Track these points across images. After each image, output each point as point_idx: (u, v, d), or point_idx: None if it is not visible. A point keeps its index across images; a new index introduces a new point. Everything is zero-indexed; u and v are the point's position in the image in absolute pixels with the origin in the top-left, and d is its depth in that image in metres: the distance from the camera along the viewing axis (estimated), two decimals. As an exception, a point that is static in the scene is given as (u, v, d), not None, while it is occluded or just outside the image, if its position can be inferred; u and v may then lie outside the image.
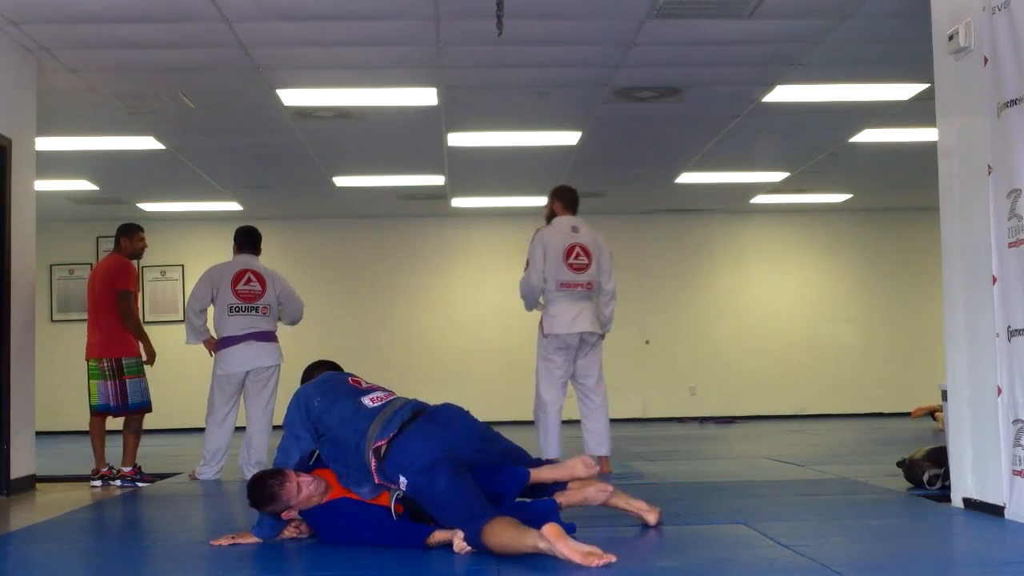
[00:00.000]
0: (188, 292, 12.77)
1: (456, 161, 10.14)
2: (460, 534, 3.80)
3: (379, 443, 3.98)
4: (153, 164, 9.95)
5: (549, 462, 4.54)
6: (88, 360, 7.12)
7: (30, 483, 6.61)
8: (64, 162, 9.66)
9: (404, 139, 9.28)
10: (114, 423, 7.21)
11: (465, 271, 13.47)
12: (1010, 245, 4.32)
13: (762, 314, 13.57)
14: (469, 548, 3.78)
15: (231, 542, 4.20)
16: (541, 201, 7.16)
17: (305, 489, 4.10)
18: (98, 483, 6.96)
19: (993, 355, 4.43)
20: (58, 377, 12.35)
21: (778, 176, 11.36)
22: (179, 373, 10.82)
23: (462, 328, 13.34)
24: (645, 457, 7.93)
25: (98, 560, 4.18)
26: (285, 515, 4.17)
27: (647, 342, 13.42)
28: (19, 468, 6.43)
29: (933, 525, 4.56)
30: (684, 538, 4.20)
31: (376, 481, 4.05)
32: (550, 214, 7.00)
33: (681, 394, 13.43)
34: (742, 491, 5.72)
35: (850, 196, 12.71)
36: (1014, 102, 4.29)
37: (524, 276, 6.87)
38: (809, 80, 7.67)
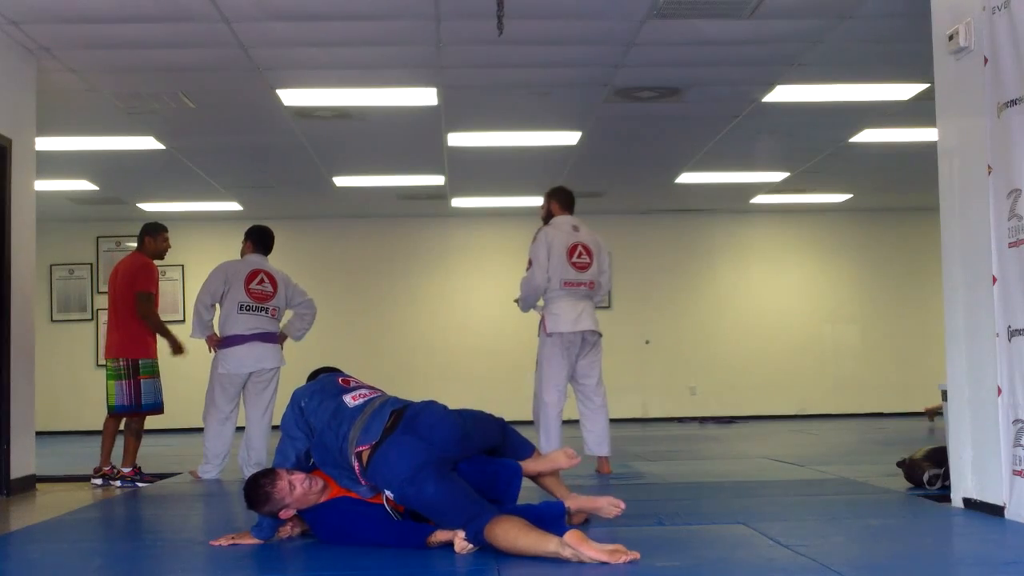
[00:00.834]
0: (188, 292, 12.91)
1: (456, 161, 10.14)
2: (461, 534, 3.81)
3: (359, 448, 3.99)
4: (153, 164, 9.94)
5: (528, 446, 4.51)
6: (107, 360, 7.15)
7: (30, 483, 6.61)
8: (64, 162, 9.65)
9: (404, 139, 9.28)
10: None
11: (465, 271, 13.46)
12: (1010, 245, 4.33)
13: (762, 314, 13.57)
14: (471, 547, 3.79)
15: (230, 542, 4.21)
16: (541, 201, 7.17)
17: (299, 488, 4.10)
18: (99, 481, 6.96)
19: (993, 355, 4.43)
20: (58, 377, 12.38)
21: (778, 176, 11.36)
22: (179, 373, 10.80)
23: (462, 328, 13.33)
24: (645, 457, 7.93)
25: (98, 560, 4.17)
26: (283, 514, 4.17)
27: (647, 342, 13.42)
28: (19, 468, 6.43)
29: (933, 525, 4.56)
30: (684, 538, 4.20)
31: (363, 483, 4.06)
32: (547, 215, 7.01)
33: (681, 394, 13.42)
34: (742, 491, 5.72)
35: (850, 196, 12.71)
36: (1014, 102, 4.29)
37: (527, 275, 6.86)
38: (809, 80, 7.66)
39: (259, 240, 7.25)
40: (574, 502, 4.30)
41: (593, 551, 3.50)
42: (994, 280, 4.43)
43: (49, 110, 7.43)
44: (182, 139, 9.11)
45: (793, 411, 13.29)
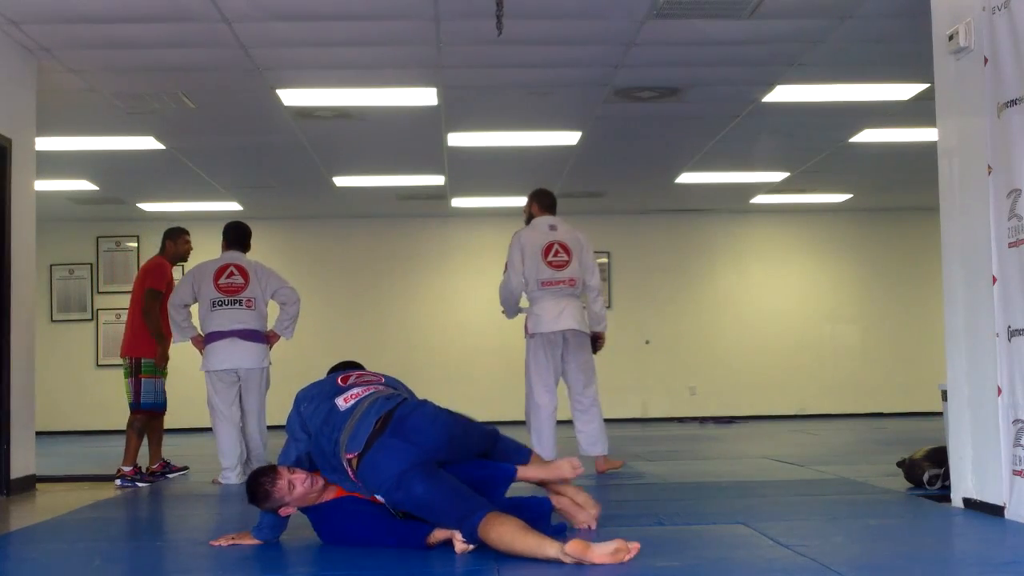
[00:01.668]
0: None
1: (456, 161, 10.14)
2: (459, 535, 3.80)
3: (349, 455, 4.00)
4: (153, 164, 9.94)
5: (523, 451, 4.48)
6: (122, 358, 7.35)
7: (30, 483, 6.61)
8: (64, 162, 9.65)
9: (404, 139, 9.28)
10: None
11: (465, 271, 13.45)
12: (1010, 245, 4.33)
13: (762, 314, 13.57)
14: (470, 547, 3.79)
15: (231, 543, 4.21)
16: (537, 202, 7.17)
17: (299, 486, 4.10)
18: (118, 482, 6.97)
19: (993, 355, 4.43)
20: (58, 377, 12.38)
21: (778, 176, 11.36)
22: (179, 373, 10.81)
23: (462, 328, 13.33)
24: (645, 457, 7.92)
25: (98, 560, 4.17)
26: (283, 512, 4.17)
27: (647, 342, 13.42)
28: (19, 468, 6.43)
29: (933, 525, 4.56)
30: (684, 538, 4.21)
31: (360, 485, 4.06)
32: (528, 217, 7.02)
33: (681, 394, 13.42)
34: (742, 491, 5.72)
35: (850, 196, 12.71)
36: (1014, 102, 4.29)
37: (503, 280, 6.85)
38: (809, 80, 7.66)
39: (234, 238, 7.25)
40: (558, 501, 4.30)
41: (598, 557, 3.49)
42: (994, 280, 4.44)
43: (49, 110, 7.43)
44: (182, 139, 9.11)
45: (793, 411, 13.29)
